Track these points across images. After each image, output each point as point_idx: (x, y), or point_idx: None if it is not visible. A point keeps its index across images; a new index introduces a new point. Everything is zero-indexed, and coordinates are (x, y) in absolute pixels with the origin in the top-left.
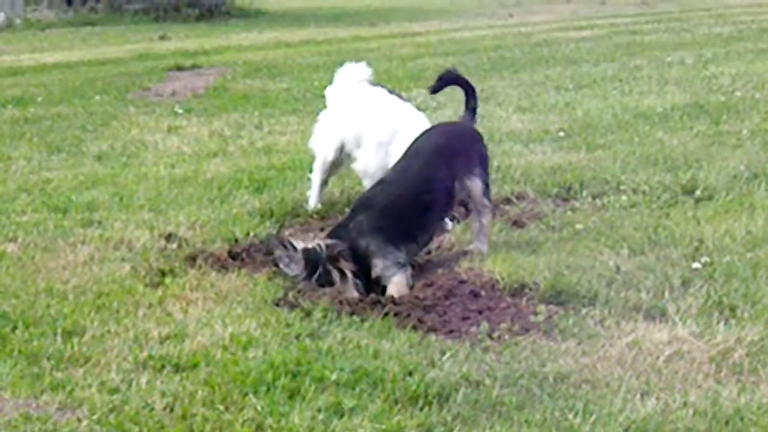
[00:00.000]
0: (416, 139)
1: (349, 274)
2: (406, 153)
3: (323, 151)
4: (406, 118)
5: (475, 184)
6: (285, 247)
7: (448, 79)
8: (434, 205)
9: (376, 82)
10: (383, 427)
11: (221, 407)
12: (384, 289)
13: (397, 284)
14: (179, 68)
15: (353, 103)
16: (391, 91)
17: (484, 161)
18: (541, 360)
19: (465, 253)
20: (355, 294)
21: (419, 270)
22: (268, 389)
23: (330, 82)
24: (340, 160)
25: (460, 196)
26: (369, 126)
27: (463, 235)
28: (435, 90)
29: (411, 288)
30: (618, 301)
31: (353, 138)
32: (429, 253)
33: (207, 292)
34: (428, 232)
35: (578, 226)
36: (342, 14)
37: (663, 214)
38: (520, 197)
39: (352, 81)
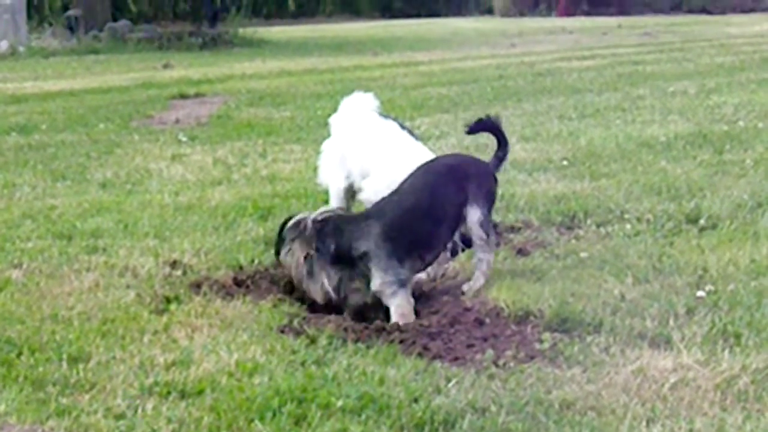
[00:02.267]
0: (431, 160)
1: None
2: (418, 169)
3: (335, 183)
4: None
5: (474, 214)
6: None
7: (486, 125)
8: (444, 222)
9: (385, 114)
10: None
11: None
12: (386, 310)
13: (399, 308)
14: (183, 96)
15: (363, 134)
16: (402, 126)
17: (490, 197)
18: (547, 387)
19: (461, 291)
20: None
21: (425, 297)
22: (274, 416)
23: (334, 110)
24: (353, 189)
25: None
26: (382, 162)
27: (468, 262)
28: (471, 131)
29: (416, 312)
30: (623, 329)
31: (360, 170)
32: (434, 280)
33: (212, 319)
34: (434, 250)
35: (583, 255)
36: (344, 43)
37: (667, 242)
38: (525, 226)
39: (360, 110)
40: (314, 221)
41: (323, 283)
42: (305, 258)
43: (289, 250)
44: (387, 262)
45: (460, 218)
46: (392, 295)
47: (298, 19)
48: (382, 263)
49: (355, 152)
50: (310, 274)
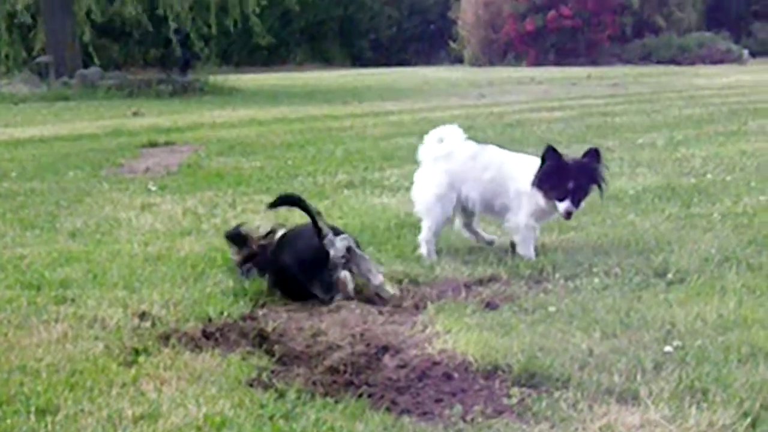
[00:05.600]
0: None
1: None
2: None
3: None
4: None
5: None
6: None
7: (287, 201)
8: None
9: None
10: None
11: None
12: None
13: None
14: (153, 145)
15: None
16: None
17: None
18: None
19: None
20: None
21: (393, 350)
22: None
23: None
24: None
25: None
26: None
27: (436, 316)
28: (272, 207)
29: (377, 360)
30: (590, 384)
31: (488, 193)
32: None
33: (181, 372)
34: None
35: (551, 309)
36: (315, 92)
37: (635, 296)
38: (493, 279)
39: (456, 140)
40: None
41: None
42: None
43: None
44: None
45: None
46: None
47: (269, 67)
48: None
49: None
50: None
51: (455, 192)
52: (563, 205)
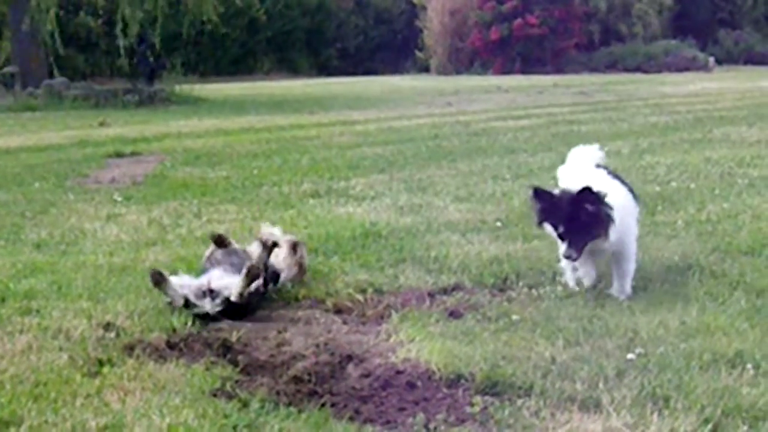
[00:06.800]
0: None
1: None
2: None
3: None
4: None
5: None
6: None
7: None
8: None
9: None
10: None
11: None
12: None
13: None
14: (119, 155)
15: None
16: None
17: None
18: None
19: None
20: None
21: (357, 360)
22: None
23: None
24: None
25: None
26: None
27: (400, 325)
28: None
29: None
30: (553, 392)
31: None
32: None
33: (145, 382)
34: None
35: (514, 317)
36: (282, 102)
37: (598, 304)
38: (457, 288)
39: (580, 162)
40: None
41: None
42: None
43: None
44: None
45: None
46: None
47: (236, 76)
48: None
49: None
50: None
51: None
52: (562, 248)
